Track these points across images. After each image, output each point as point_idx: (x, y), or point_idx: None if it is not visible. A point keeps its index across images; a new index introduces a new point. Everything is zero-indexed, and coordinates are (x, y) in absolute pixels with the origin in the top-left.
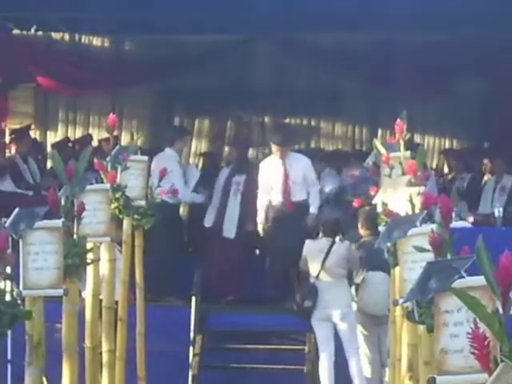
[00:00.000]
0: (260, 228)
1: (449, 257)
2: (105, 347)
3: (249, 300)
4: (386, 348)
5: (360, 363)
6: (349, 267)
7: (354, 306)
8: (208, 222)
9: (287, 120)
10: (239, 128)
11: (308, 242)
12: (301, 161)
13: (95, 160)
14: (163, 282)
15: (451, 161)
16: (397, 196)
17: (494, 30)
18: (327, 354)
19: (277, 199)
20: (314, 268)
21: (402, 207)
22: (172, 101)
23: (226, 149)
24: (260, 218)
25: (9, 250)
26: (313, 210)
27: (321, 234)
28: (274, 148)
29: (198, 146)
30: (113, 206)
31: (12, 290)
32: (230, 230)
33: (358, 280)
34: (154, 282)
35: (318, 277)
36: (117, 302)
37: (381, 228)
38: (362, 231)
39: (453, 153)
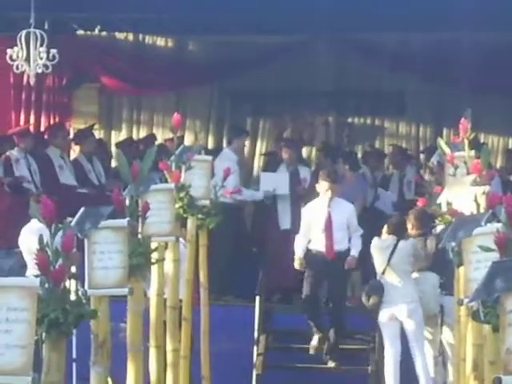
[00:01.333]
0: (297, 263)
1: None
2: (169, 346)
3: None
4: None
5: (426, 361)
6: (414, 264)
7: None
8: (285, 224)
9: (350, 120)
10: (303, 128)
11: (375, 239)
12: (345, 207)
13: (160, 160)
14: (227, 282)
15: None
16: (461, 195)
17: None
18: (393, 354)
19: (317, 245)
20: (379, 265)
21: (466, 207)
22: (235, 101)
23: (285, 149)
24: (297, 254)
25: (74, 249)
26: (354, 252)
27: (385, 233)
28: (325, 185)
29: (263, 146)
30: (177, 205)
31: (77, 290)
32: None
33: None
34: (217, 282)
35: (383, 273)
36: (181, 302)
37: (439, 228)
38: (412, 231)
39: None
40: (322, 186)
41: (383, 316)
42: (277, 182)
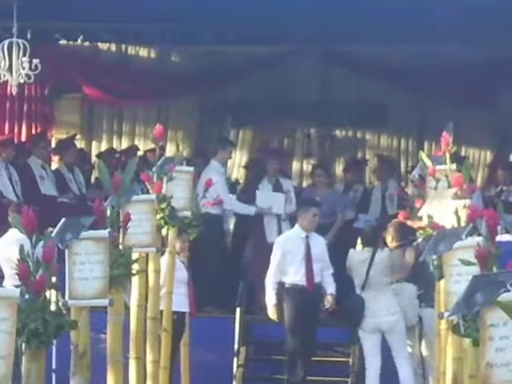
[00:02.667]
0: (271, 311)
1: (495, 270)
2: (149, 357)
3: None
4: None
5: (411, 370)
6: (392, 275)
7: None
8: (272, 237)
9: (333, 131)
10: (284, 140)
11: (351, 252)
12: (321, 240)
13: (141, 171)
14: (207, 293)
15: (499, 173)
16: (442, 209)
17: None
18: (374, 367)
19: (295, 278)
20: (358, 278)
21: (447, 220)
22: (217, 112)
23: (270, 160)
24: (271, 298)
25: (54, 260)
26: (331, 290)
27: (360, 245)
28: (310, 216)
29: (243, 157)
30: (158, 216)
31: (57, 300)
32: None
33: None
34: (198, 293)
35: (363, 287)
36: (161, 313)
37: (420, 240)
38: (392, 243)
39: (501, 165)
40: (311, 212)
41: (365, 329)
42: (273, 201)
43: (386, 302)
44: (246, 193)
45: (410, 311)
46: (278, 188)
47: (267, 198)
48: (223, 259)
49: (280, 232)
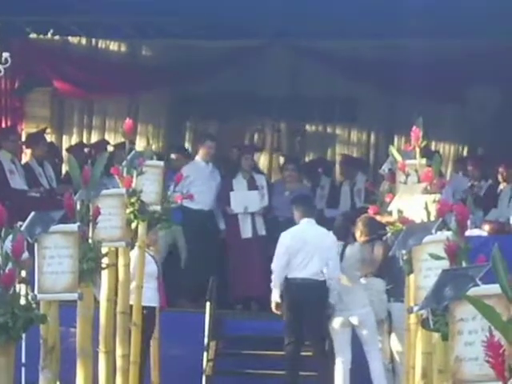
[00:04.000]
0: (275, 304)
1: (464, 265)
2: (119, 352)
3: (263, 305)
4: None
5: (381, 364)
6: (361, 269)
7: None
8: (246, 232)
9: (302, 126)
10: (254, 134)
11: None
12: (329, 236)
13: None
14: (177, 287)
15: (468, 168)
16: (412, 203)
17: (508, 39)
18: (344, 361)
19: (299, 273)
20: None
21: (417, 214)
22: (187, 106)
23: (245, 156)
24: (275, 295)
25: (26, 254)
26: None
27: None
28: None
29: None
30: (128, 210)
31: (27, 294)
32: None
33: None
34: (172, 287)
35: None
36: (131, 307)
37: (389, 235)
38: (360, 238)
39: (470, 160)
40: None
41: (336, 323)
42: (247, 200)
43: (356, 296)
44: (218, 188)
45: (378, 306)
46: (251, 184)
47: (241, 198)
48: (196, 254)
49: (254, 228)
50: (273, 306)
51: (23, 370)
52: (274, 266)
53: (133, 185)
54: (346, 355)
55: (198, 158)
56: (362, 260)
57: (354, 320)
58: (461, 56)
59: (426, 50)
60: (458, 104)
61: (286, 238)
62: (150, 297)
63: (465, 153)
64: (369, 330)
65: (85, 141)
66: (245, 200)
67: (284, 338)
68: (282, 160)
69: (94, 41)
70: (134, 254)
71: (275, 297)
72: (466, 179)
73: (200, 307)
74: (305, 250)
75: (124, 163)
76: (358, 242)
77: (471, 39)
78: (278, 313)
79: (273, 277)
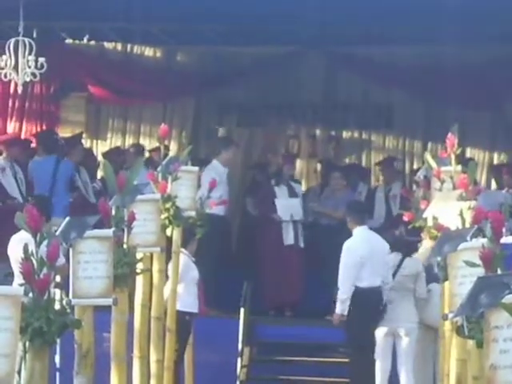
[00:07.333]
0: (338, 317)
1: (499, 272)
2: (153, 357)
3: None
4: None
5: (412, 381)
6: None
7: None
8: (289, 239)
9: (337, 133)
10: (290, 141)
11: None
12: (385, 243)
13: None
14: (211, 294)
15: (504, 175)
16: (447, 210)
17: None
18: (384, 369)
19: (371, 282)
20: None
21: (452, 221)
22: (222, 112)
23: (287, 165)
24: (344, 307)
25: (62, 259)
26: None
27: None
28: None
29: (248, 158)
30: (163, 216)
31: (62, 299)
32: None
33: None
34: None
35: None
36: (166, 312)
37: (424, 242)
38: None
39: (505, 167)
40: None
41: (381, 331)
42: (292, 208)
43: (406, 309)
44: (260, 194)
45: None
46: (291, 191)
47: (286, 206)
48: (228, 260)
49: (296, 235)
50: (336, 318)
51: (58, 375)
52: (344, 277)
53: (168, 190)
54: (387, 363)
55: (216, 162)
56: (416, 274)
57: (400, 332)
58: (497, 62)
59: (462, 56)
60: (494, 110)
61: (355, 248)
62: (192, 303)
63: (500, 160)
64: (409, 343)
65: (120, 146)
66: (290, 208)
67: (348, 347)
68: (318, 167)
69: (129, 46)
70: (182, 259)
71: (343, 310)
72: (499, 193)
73: (233, 313)
74: (374, 258)
75: (159, 169)
76: (415, 256)
77: (509, 46)
78: (338, 324)
79: (341, 289)
